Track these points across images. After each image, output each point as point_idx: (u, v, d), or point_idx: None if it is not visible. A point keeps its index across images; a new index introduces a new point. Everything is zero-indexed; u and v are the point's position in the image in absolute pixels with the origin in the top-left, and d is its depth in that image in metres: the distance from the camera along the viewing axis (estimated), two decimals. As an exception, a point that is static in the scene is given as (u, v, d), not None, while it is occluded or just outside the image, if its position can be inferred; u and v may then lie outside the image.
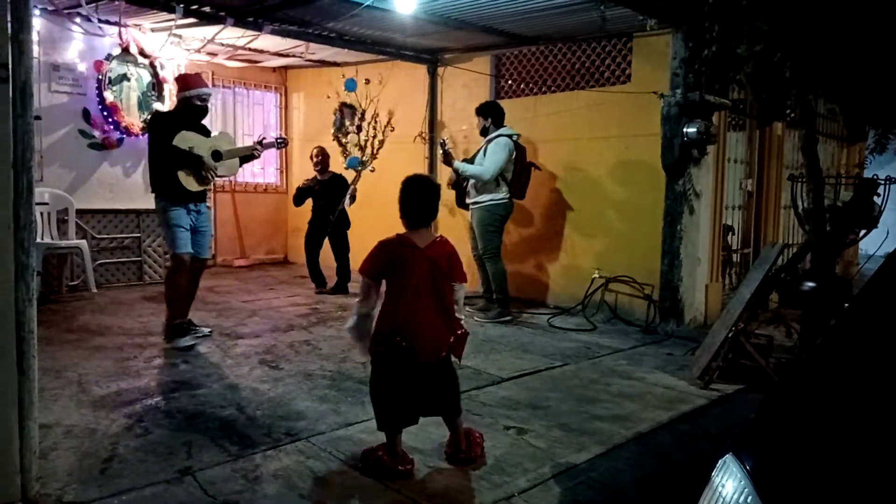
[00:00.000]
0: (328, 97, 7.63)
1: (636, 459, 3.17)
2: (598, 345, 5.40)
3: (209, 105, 5.19)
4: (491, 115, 6.26)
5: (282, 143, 5.84)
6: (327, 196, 7.38)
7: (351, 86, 7.36)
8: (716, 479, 1.64)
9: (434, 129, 8.11)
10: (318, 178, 7.46)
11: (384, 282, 2.94)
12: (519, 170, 6.20)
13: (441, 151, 6.23)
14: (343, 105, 7.51)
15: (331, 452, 3.09)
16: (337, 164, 7.66)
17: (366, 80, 7.47)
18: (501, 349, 5.07)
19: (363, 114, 7.55)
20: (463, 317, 3.04)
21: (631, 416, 3.73)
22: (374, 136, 7.49)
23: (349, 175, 7.54)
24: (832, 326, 2.52)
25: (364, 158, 7.49)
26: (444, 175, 6.90)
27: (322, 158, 7.45)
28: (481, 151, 6.22)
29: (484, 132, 6.28)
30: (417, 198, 2.95)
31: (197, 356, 4.71)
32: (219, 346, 5.00)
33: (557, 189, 6.87)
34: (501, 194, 6.13)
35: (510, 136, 6.16)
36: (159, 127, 4.93)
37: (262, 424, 3.43)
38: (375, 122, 7.53)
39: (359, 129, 7.45)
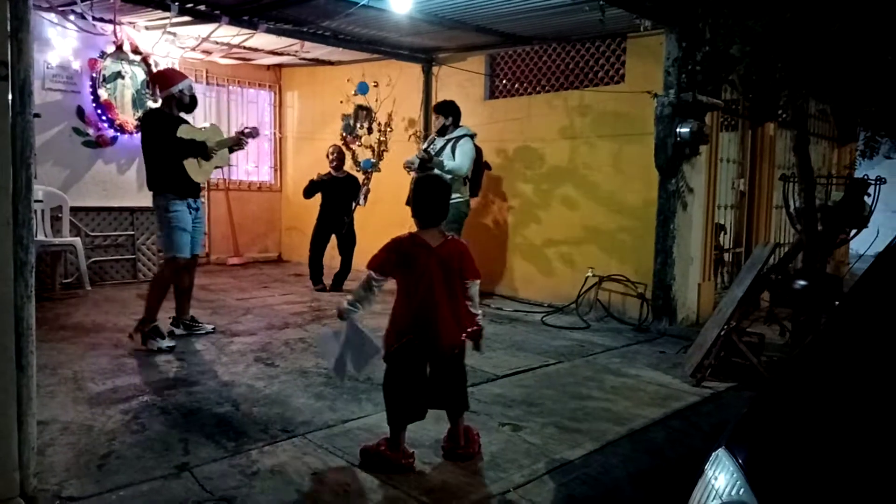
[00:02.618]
0: (341, 101, 7.68)
1: (630, 455, 3.20)
2: (592, 343, 5.44)
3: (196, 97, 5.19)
4: (452, 114, 6.33)
5: (253, 134, 5.54)
6: (339, 194, 7.45)
7: (364, 89, 7.44)
8: (709, 472, 1.67)
9: (429, 128, 8.12)
10: (333, 174, 7.52)
11: (396, 280, 2.98)
12: (475, 169, 6.35)
13: (423, 153, 6.23)
14: (359, 108, 7.56)
15: (327, 448, 3.11)
16: (348, 167, 7.71)
17: (374, 82, 7.54)
18: (496, 347, 5.10)
19: (375, 116, 7.63)
20: (479, 312, 3.09)
21: (624, 413, 3.76)
22: (383, 138, 7.56)
23: (359, 177, 7.63)
24: (823, 324, 2.56)
25: (374, 160, 7.55)
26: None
27: (339, 156, 7.53)
28: (447, 149, 6.23)
29: (443, 131, 6.32)
30: (428, 198, 2.99)
31: (192, 354, 4.71)
32: (214, 343, 5.01)
33: (550, 188, 6.91)
34: (463, 193, 6.24)
35: (472, 136, 6.27)
36: (160, 122, 4.92)
37: (258, 421, 3.44)
38: (382, 124, 7.60)
39: (370, 130, 7.53)
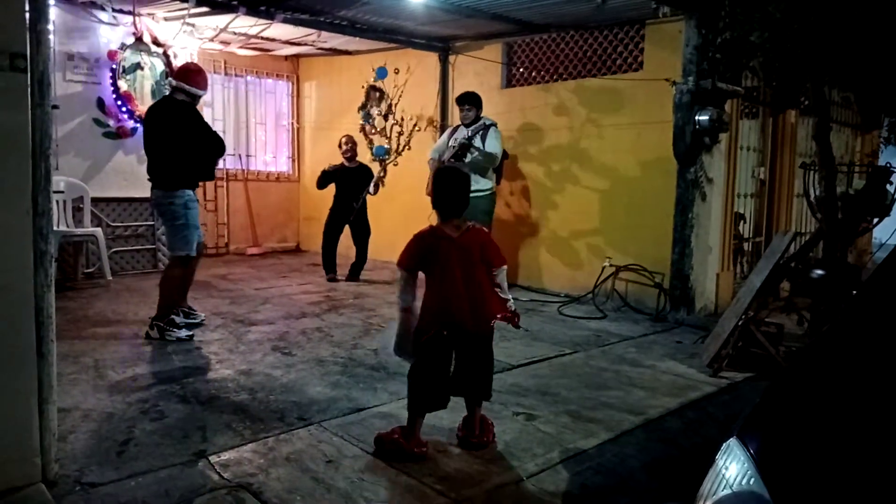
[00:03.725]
0: (362, 87, 7.66)
1: (644, 445, 3.20)
2: (608, 333, 5.42)
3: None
4: (480, 105, 6.42)
5: None
6: (352, 185, 7.42)
7: (382, 73, 7.41)
8: (720, 461, 1.67)
9: (445, 118, 8.10)
10: (346, 165, 7.50)
11: (424, 273, 3.03)
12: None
13: (463, 139, 6.25)
14: (371, 88, 7.54)
15: (342, 437, 3.14)
16: (362, 155, 7.67)
17: (395, 69, 7.50)
18: (511, 336, 5.09)
19: (391, 101, 7.58)
20: (510, 297, 3.12)
21: (640, 402, 3.75)
22: (401, 128, 7.49)
23: (374, 165, 7.57)
24: (839, 314, 2.53)
25: (388, 147, 7.49)
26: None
27: (351, 146, 7.49)
28: (475, 138, 6.23)
29: (473, 121, 6.36)
30: (449, 190, 3.02)
31: (210, 343, 4.77)
32: (232, 332, 5.06)
33: (568, 177, 6.87)
34: (493, 182, 6.35)
35: (495, 125, 6.34)
36: (197, 116, 4.90)
37: (275, 409, 3.48)
38: (399, 112, 7.55)
39: (386, 116, 7.49)
